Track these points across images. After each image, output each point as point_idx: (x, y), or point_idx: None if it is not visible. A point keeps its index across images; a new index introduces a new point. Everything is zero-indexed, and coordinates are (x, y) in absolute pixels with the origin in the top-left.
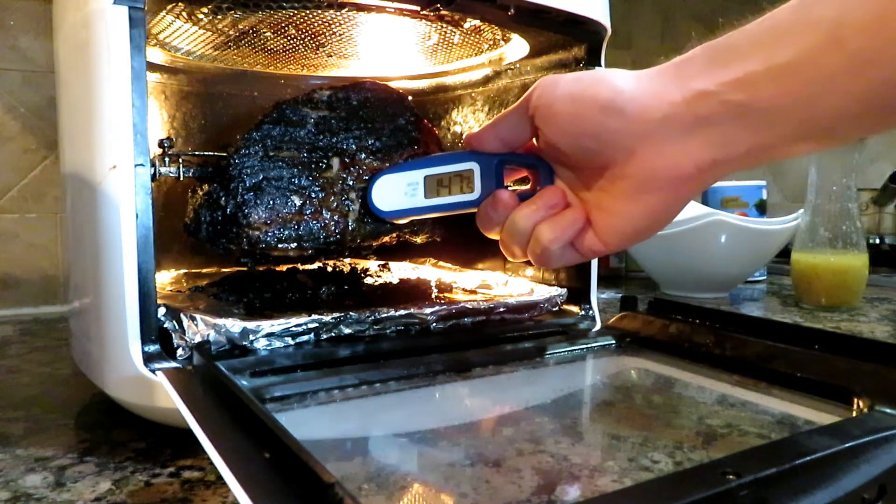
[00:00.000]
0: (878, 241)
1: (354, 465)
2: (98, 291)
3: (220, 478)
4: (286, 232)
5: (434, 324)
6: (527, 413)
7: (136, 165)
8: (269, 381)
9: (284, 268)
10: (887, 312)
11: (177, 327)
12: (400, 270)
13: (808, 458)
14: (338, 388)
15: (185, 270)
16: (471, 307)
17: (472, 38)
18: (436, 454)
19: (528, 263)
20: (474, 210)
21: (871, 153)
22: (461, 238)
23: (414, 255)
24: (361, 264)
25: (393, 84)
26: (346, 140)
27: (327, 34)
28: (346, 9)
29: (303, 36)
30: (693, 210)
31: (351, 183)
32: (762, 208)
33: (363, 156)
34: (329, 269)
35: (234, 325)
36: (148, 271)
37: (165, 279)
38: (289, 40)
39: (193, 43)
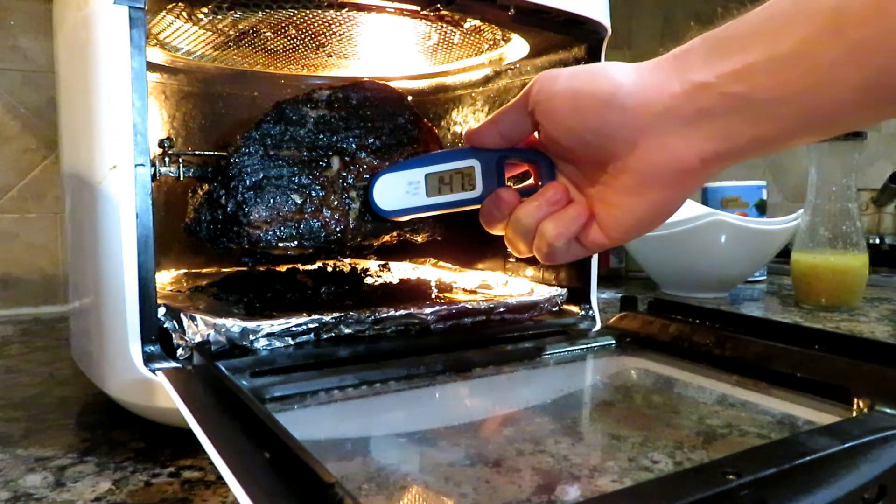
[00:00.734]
0: (877, 241)
1: (354, 465)
2: (98, 291)
3: (219, 478)
4: (286, 231)
5: (434, 324)
6: (527, 413)
7: (136, 165)
8: (269, 380)
9: (284, 268)
10: (887, 312)
11: (177, 327)
12: (400, 270)
13: (809, 458)
14: (338, 388)
15: (186, 270)
16: (471, 307)
17: (472, 38)
18: (436, 454)
19: (529, 262)
20: (477, 207)
21: (871, 153)
22: (461, 238)
23: (414, 255)
24: (361, 264)
25: (393, 84)
26: (346, 139)
27: (327, 34)
28: (347, 9)
29: (303, 36)
30: (693, 210)
31: (351, 181)
32: (762, 208)
33: (363, 155)
34: (329, 269)
35: (234, 325)
36: (148, 271)
37: (165, 279)
38: (289, 40)
39: (193, 43)
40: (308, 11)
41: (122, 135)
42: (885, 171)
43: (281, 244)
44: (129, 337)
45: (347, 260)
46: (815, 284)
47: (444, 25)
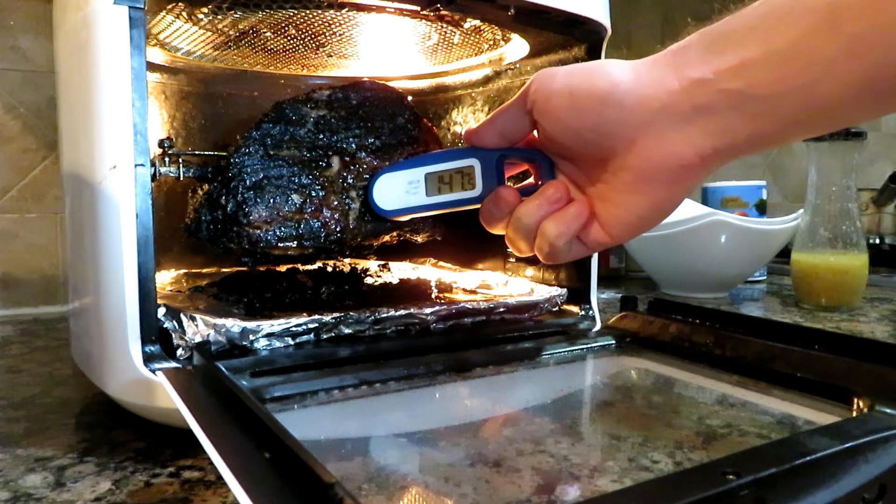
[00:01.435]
0: (877, 241)
1: (354, 465)
2: (98, 291)
3: (220, 478)
4: (287, 230)
5: (434, 324)
6: (527, 413)
7: (136, 165)
8: (269, 381)
9: (284, 268)
10: (887, 312)
11: (177, 327)
12: (400, 270)
13: (809, 458)
14: (338, 388)
15: (186, 270)
16: (471, 307)
17: (472, 38)
18: (436, 454)
19: (529, 262)
20: (477, 206)
21: (871, 153)
22: (461, 238)
23: (414, 255)
24: (361, 264)
25: (393, 84)
26: (346, 139)
27: (327, 34)
28: (346, 9)
29: (303, 36)
30: (693, 210)
31: (351, 181)
32: (762, 208)
33: (363, 154)
34: (329, 269)
35: (234, 325)
36: (148, 271)
37: (165, 279)
38: (289, 40)
39: (193, 43)
40: (308, 11)
41: (122, 135)
42: (885, 171)
43: (281, 244)
44: (129, 337)
45: (347, 260)
46: (815, 284)
47: (444, 25)
